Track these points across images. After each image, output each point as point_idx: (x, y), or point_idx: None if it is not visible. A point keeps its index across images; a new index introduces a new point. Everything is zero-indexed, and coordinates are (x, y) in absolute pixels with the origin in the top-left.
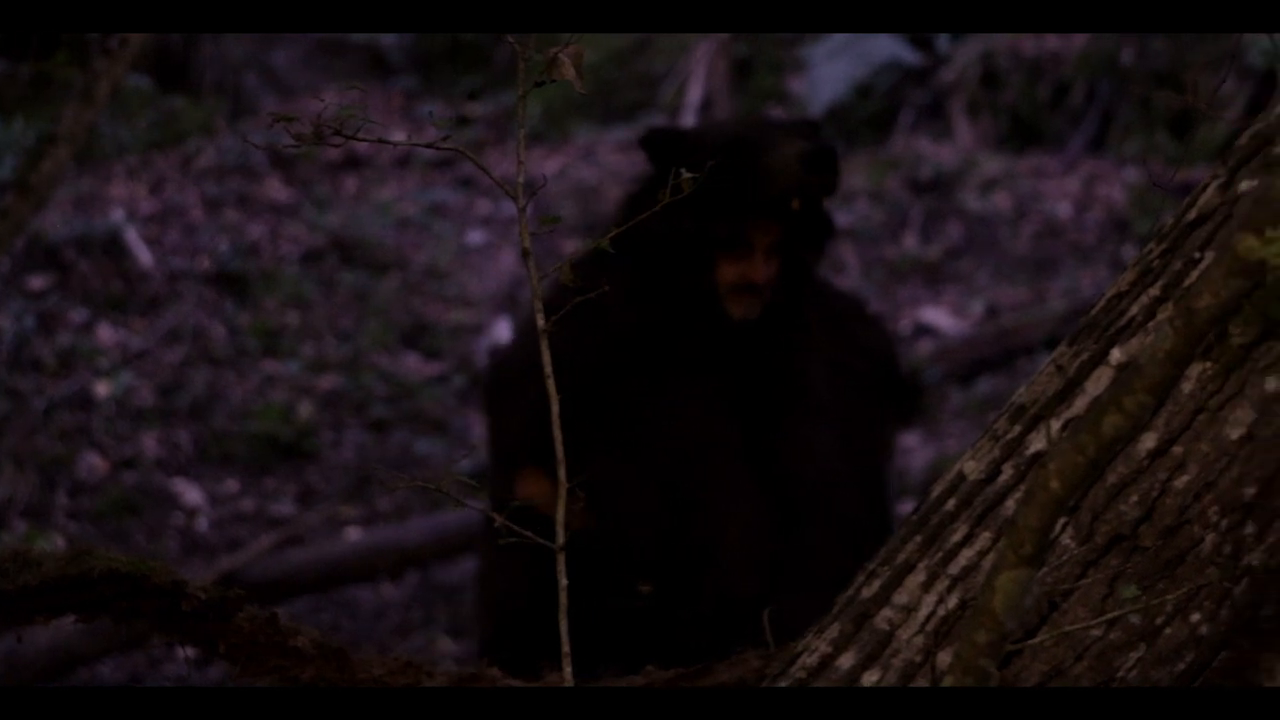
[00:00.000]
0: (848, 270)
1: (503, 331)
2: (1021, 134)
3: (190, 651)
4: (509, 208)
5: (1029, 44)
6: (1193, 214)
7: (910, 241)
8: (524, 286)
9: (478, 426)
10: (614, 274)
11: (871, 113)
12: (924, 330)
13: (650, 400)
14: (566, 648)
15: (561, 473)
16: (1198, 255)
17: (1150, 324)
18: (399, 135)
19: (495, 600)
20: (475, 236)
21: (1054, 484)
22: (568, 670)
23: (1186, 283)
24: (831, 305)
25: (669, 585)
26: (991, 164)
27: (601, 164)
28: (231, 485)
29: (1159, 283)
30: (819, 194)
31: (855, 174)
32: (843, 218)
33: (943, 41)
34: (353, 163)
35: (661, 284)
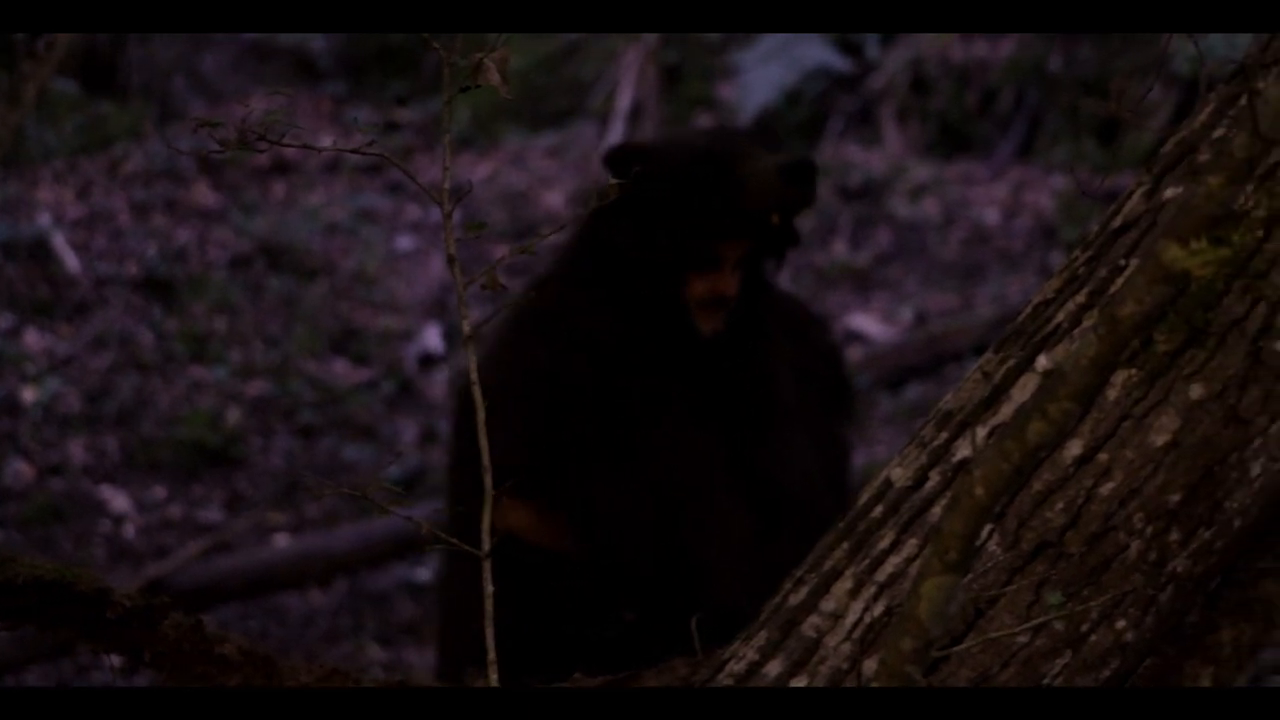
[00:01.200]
0: (777, 277)
1: (432, 338)
2: (950, 140)
3: (116, 659)
4: (438, 213)
5: (957, 51)
6: (1118, 221)
7: (839, 248)
8: (454, 292)
9: (408, 432)
10: (588, 289)
11: (801, 119)
12: (853, 337)
13: (633, 415)
14: (492, 655)
15: (488, 480)
16: (1123, 262)
17: (1076, 331)
18: (328, 140)
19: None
20: (404, 242)
21: (979, 490)
22: (493, 676)
23: (1112, 290)
24: (785, 309)
25: (661, 601)
26: (920, 170)
27: (531, 169)
28: (159, 492)
29: (1085, 290)
30: (798, 207)
31: None
32: None
33: (872, 48)
34: (281, 168)
35: (633, 299)
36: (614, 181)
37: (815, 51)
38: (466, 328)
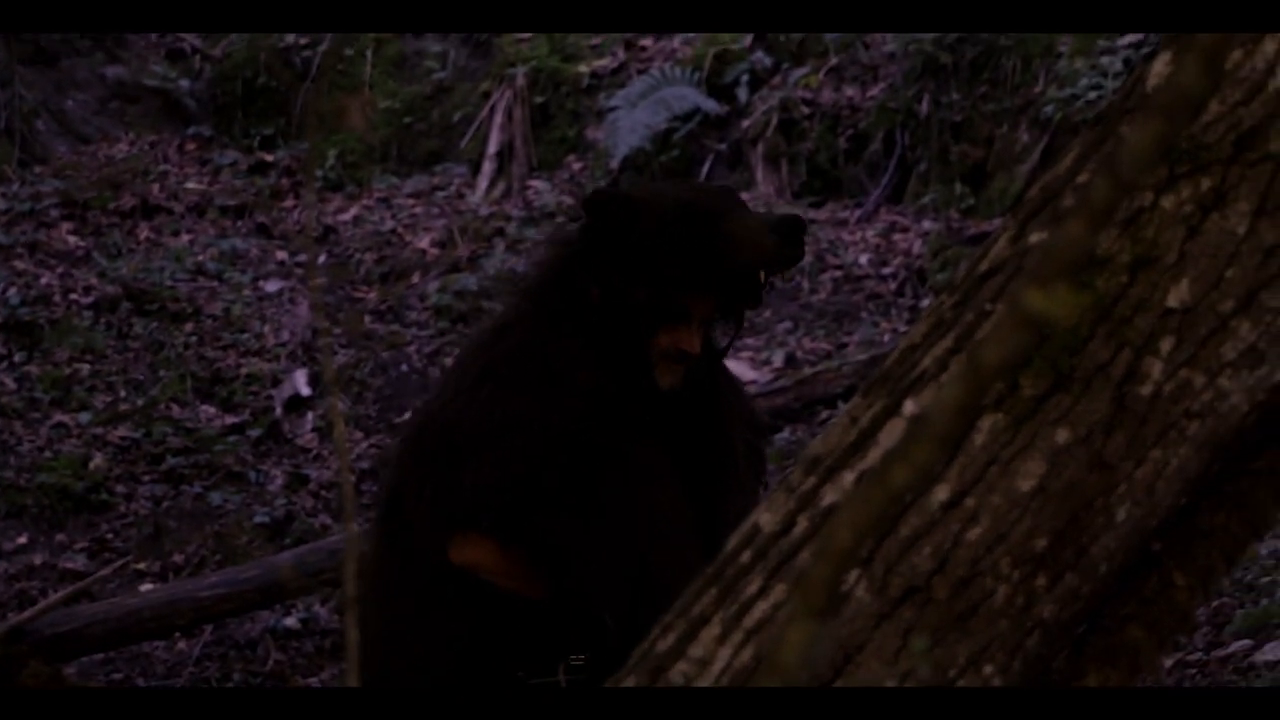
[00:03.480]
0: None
1: (299, 382)
2: (820, 184)
3: None
4: (306, 256)
5: (827, 94)
6: (985, 265)
7: None
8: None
9: (275, 478)
10: (561, 335)
11: (670, 162)
12: None
13: (608, 465)
14: (354, 681)
15: (350, 527)
16: (989, 307)
17: (943, 376)
18: (194, 183)
19: (417, 662)
20: (272, 285)
21: (843, 535)
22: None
23: (978, 335)
24: (727, 375)
25: (622, 648)
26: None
27: (399, 212)
28: (21, 538)
29: (951, 334)
30: (786, 265)
31: None
32: None
33: (743, 91)
34: (146, 210)
35: (603, 348)
36: (593, 226)
37: (686, 94)
38: (330, 374)
